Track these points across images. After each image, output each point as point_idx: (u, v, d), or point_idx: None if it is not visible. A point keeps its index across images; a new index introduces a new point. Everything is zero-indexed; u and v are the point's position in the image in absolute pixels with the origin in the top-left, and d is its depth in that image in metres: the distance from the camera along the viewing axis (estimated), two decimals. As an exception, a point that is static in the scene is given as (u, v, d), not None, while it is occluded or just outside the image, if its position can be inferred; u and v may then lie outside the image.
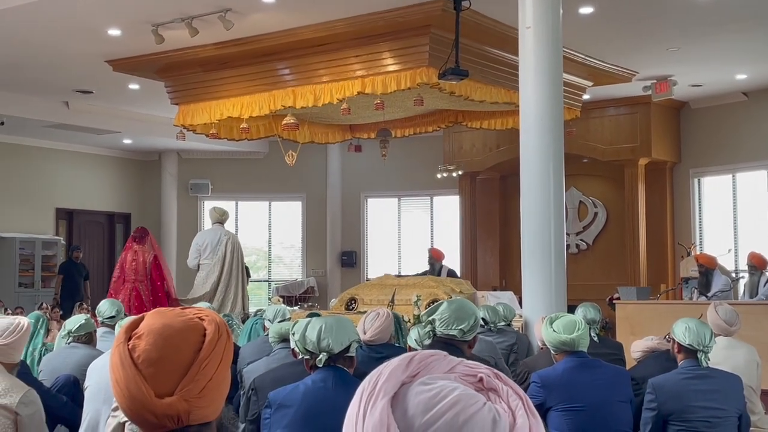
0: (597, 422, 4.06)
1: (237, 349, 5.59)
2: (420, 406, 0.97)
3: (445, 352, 1.06)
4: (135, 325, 1.59)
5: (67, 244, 15.02)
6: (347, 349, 3.32)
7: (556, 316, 4.37)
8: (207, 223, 16.78)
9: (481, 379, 1.02)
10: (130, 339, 1.56)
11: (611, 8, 8.97)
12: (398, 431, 0.95)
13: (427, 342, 3.91)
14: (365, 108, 10.46)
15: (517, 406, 1.01)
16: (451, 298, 9.49)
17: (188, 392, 1.51)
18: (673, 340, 4.26)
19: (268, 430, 3.22)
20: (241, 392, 4.99)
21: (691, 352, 4.16)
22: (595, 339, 5.47)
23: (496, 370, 1.05)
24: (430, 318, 3.86)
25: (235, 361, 5.26)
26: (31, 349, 5.97)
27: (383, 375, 1.01)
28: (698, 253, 11.11)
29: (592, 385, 4.09)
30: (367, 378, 1.03)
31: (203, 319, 1.59)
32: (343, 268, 16.35)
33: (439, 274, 11.91)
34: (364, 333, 4.53)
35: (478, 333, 6.29)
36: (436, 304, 3.94)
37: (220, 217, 11.60)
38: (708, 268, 9.54)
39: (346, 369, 3.32)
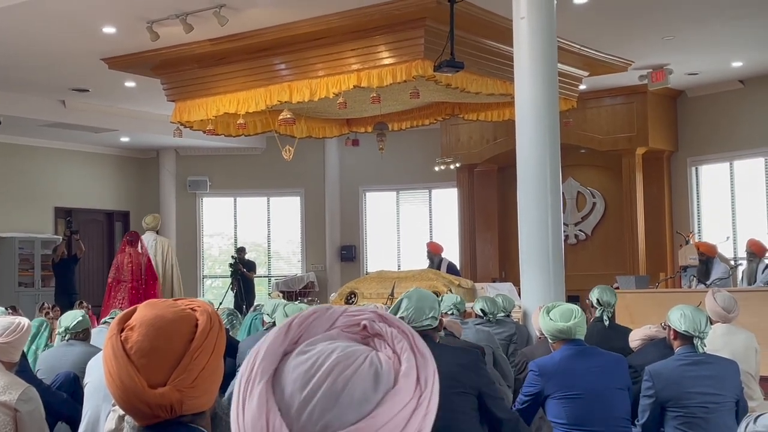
0: (595, 410, 4.07)
1: (236, 343, 5.61)
2: (297, 381, 0.90)
3: (327, 305, 0.99)
4: (127, 316, 1.60)
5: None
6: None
7: (552, 305, 4.38)
8: (207, 219, 16.89)
9: (364, 327, 0.96)
10: (122, 330, 1.57)
11: (606, -2, 8.97)
12: (279, 414, 0.90)
13: None
14: (362, 102, 10.47)
15: (402, 348, 0.94)
16: (450, 290, 9.53)
17: (181, 382, 1.52)
18: (669, 327, 4.27)
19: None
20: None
21: (687, 339, 4.17)
22: (606, 322, 5.58)
23: (380, 312, 0.99)
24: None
25: (234, 356, 5.28)
26: (34, 348, 5.99)
27: (260, 353, 0.94)
28: (697, 241, 11.12)
29: (589, 373, 4.10)
30: (246, 359, 0.95)
31: (195, 310, 1.61)
32: (342, 263, 16.35)
33: (438, 268, 11.92)
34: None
35: (477, 324, 6.36)
36: (394, 305, 3.74)
37: (149, 225, 12.02)
38: (708, 257, 9.57)
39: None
